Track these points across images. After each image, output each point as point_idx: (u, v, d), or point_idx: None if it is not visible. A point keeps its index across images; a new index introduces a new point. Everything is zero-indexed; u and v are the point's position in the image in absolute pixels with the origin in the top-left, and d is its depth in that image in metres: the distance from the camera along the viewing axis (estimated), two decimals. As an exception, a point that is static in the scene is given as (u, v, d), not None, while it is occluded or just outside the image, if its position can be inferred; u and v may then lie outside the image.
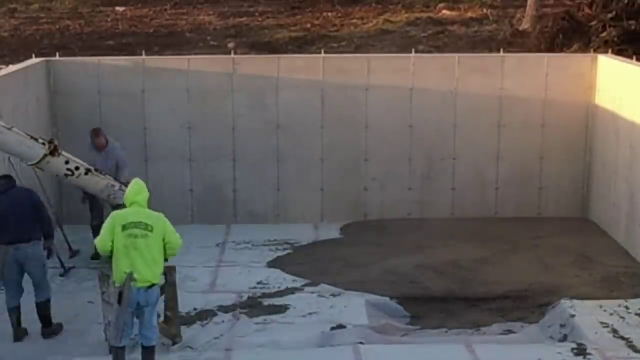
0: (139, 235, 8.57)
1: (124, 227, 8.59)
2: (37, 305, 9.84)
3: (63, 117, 13.95)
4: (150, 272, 8.60)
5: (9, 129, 9.80)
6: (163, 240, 8.70)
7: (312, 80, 14.04)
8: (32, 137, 10.05)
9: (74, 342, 9.80)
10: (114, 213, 8.90)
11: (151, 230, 8.62)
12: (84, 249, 12.58)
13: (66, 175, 10.41)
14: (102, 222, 9.37)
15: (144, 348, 8.89)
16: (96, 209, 12.49)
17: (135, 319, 8.76)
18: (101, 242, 8.67)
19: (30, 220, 9.58)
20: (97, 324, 9.50)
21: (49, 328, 9.89)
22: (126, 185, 10.32)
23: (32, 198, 9.76)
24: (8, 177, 9.84)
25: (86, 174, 10.60)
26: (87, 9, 29.40)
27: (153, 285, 8.65)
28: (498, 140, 14.27)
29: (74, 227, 13.06)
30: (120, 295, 8.52)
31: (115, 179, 11.44)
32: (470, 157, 14.31)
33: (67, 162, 10.36)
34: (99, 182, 10.79)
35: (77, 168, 10.48)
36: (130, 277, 8.48)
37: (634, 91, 12.56)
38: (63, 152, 10.17)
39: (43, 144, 10.11)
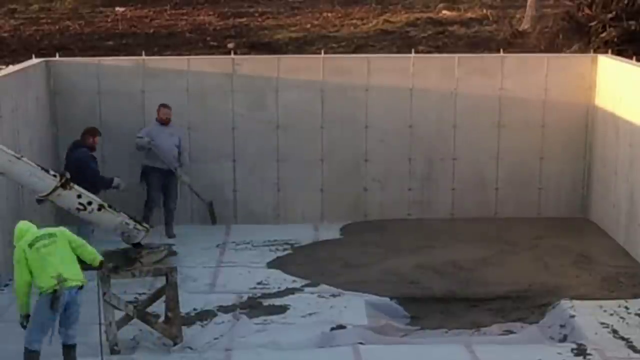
0: (48, 244, 8.89)
1: (30, 246, 8.86)
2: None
3: (63, 118, 13.94)
4: (77, 271, 8.89)
5: (19, 158, 9.63)
6: (71, 247, 9.01)
7: (312, 81, 14.04)
8: (42, 169, 9.88)
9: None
10: (18, 244, 9.01)
11: (56, 236, 9.03)
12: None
13: (78, 209, 10.03)
14: None
15: (69, 347, 9.09)
16: None
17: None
18: (20, 277, 8.83)
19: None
20: (97, 325, 9.46)
21: None
22: (140, 224, 10.34)
23: (77, 158, 11.54)
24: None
25: (99, 209, 10.17)
26: (87, 9, 29.40)
27: (82, 286, 8.87)
28: (498, 140, 14.27)
29: (70, 228, 13.06)
30: (53, 300, 8.68)
31: (131, 217, 11.14)
32: (470, 158, 14.31)
33: (79, 196, 9.96)
34: (112, 219, 10.32)
35: (89, 203, 10.06)
36: (60, 279, 8.66)
37: (634, 91, 12.56)
38: (75, 186, 9.99)
39: (54, 175, 9.86)
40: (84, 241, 9.20)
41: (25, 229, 9.19)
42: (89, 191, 11.40)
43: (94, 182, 12.09)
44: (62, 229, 9.28)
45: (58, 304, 8.70)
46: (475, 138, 14.24)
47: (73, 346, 9.13)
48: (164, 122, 13.39)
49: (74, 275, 8.83)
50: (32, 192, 10.18)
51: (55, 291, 8.67)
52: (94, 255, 9.19)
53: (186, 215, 14.07)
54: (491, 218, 14.37)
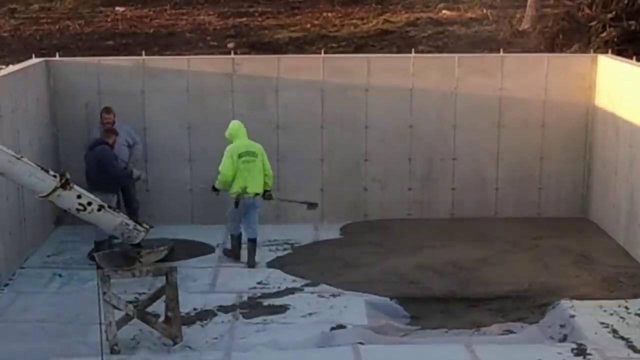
0: (249, 161, 12.07)
1: (239, 156, 12.03)
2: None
3: (63, 118, 13.94)
4: (256, 186, 12.15)
5: (18, 158, 9.62)
6: (263, 164, 12.21)
7: (312, 81, 14.04)
8: (42, 169, 9.87)
9: (75, 342, 9.81)
10: (230, 147, 12.07)
11: (256, 156, 12.15)
12: (84, 248, 12.60)
13: (78, 210, 10.06)
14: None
15: (250, 240, 12.30)
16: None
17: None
18: (226, 169, 12.02)
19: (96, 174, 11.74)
20: (98, 325, 9.47)
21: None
22: (140, 225, 10.35)
23: (97, 155, 11.96)
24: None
25: (99, 210, 10.26)
26: (87, 9, 29.38)
27: (257, 194, 12.18)
28: (498, 140, 14.28)
29: (72, 227, 13.11)
30: (236, 202, 12.09)
31: (129, 218, 11.15)
32: (470, 158, 14.31)
33: (79, 197, 10.01)
34: (112, 220, 10.48)
35: (89, 203, 10.15)
36: (244, 189, 12.02)
37: (634, 91, 12.56)
38: (75, 187, 9.98)
39: (54, 176, 9.85)
40: (270, 168, 12.34)
41: (238, 130, 12.25)
42: (112, 187, 11.55)
43: (117, 177, 12.21)
44: (261, 147, 12.27)
45: (240, 205, 12.08)
46: (475, 138, 14.24)
47: (254, 239, 12.30)
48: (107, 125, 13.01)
49: (255, 189, 12.12)
50: (32, 193, 10.18)
51: (237, 196, 12.02)
52: (271, 181, 12.40)
53: (186, 216, 14.08)
54: (491, 218, 14.37)
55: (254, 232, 12.35)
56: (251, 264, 12.29)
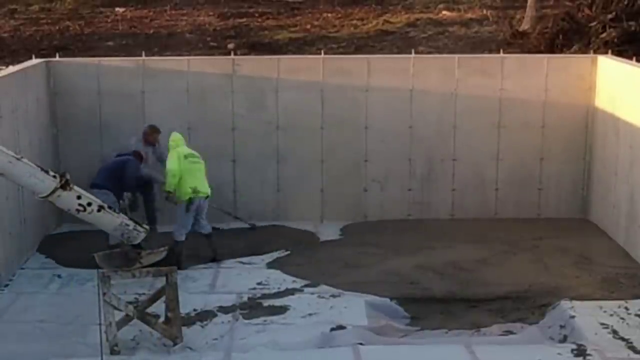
0: (195, 162, 12.27)
1: (185, 157, 12.20)
2: None
3: (63, 118, 13.95)
4: (205, 188, 12.30)
5: (18, 159, 9.62)
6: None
7: (312, 81, 14.04)
8: (42, 169, 9.86)
9: (75, 343, 9.81)
10: (174, 151, 12.21)
11: (200, 160, 12.37)
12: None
13: (78, 210, 10.04)
14: None
15: (206, 235, 12.53)
16: None
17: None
18: (173, 164, 12.10)
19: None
20: (97, 325, 9.47)
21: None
22: (140, 225, 10.36)
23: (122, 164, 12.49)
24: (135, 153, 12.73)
25: (99, 210, 10.19)
26: (87, 10, 29.37)
27: (207, 197, 12.34)
28: (498, 141, 14.28)
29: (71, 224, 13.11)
30: (188, 205, 12.13)
31: (131, 218, 11.18)
32: (470, 158, 14.31)
33: (79, 197, 9.95)
34: (112, 220, 10.40)
35: (89, 204, 10.06)
36: (195, 190, 12.12)
37: (634, 92, 12.56)
38: (75, 187, 9.97)
39: (54, 176, 9.84)
40: None
41: (179, 140, 12.42)
42: (118, 192, 11.68)
43: (127, 189, 12.73)
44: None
45: (191, 208, 12.17)
46: (475, 139, 14.24)
47: (210, 234, 12.57)
48: (152, 144, 13.28)
49: (206, 189, 12.32)
50: (32, 193, 10.17)
51: (190, 199, 12.12)
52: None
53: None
54: (491, 218, 14.37)
55: (208, 227, 12.60)
56: (219, 257, 12.54)
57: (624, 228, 12.90)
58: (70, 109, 13.92)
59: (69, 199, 9.93)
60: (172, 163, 12.17)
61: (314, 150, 14.17)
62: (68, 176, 9.96)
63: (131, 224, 10.49)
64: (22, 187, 11.12)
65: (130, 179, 12.47)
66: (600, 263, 12.38)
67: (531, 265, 12.36)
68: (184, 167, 12.14)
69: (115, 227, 10.47)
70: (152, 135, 13.26)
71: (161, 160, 13.15)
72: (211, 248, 12.58)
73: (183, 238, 12.32)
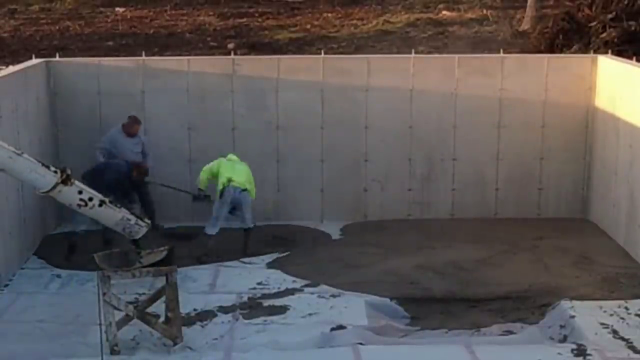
0: (234, 162, 12.70)
1: (227, 160, 12.69)
2: None
3: (63, 118, 13.95)
4: (242, 180, 12.52)
5: (19, 154, 9.61)
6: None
7: (312, 81, 14.04)
8: (43, 165, 9.85)
9: (75, 343, 9.81)
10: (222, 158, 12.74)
11: (243, 165, 12.71)
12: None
13: (79, 205, 10.04)
14: None
15: (245, 229, 12.72)
16: None
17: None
18: (206, 166, 12.66)
19: None
20: (97, 325, 9.48)
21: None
22: (142, 219, 10.37)
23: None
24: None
25: (100, 205, 10.20)
26: (87, 10, 29.39)
27: (244, 190, 12.51)
28: (498, 141, 14.28)
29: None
30: (221, 192, 12.40)
31: (132, 212, 11.20)
32: (470, 158, 14.31)
33: (80, 192, 9.96)
34: (113, 215, 10.42)
35: (90, 199, 10.07)
36: (229, 180, 12.41)
37: (634, 92, 12.56)
38: (76, 182, 9.97)
39: (55, 172, 9.84)
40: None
41: (231, 158, 12.84)
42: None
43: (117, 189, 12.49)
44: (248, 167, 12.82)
45: (224, 196, 12.41)
46: (475, 138, 14.24)
47: (249, 229, 12.71)
48: (132, 135, 13.40)
49: (241, 180, 12.51)
50: (33, 189, 10.18)
51: (223, 188, 12.41)
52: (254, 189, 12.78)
53: (186, 216, 14.07)
54: (491, 218, 14.37)
55: (251, 223, 12.74)
56: (248, 254, 12.67)
57: (624, 228, 12.90)
58: (70, 109, 13.92)
59: (70, 194, 9.93)
60: (207, 165, 12.72)
61: (314, 150, 14.17)
62: (69, 171, 9.95)
63: (132, 219, 10.50)
64: (22, 184, 11.12)
65: (108, 183, 12.16)
66: (600, 263, 12.38)
67: (531, 265, 12.36)
68: (223, 166, 12.59)
69: (116, 222, 10.48)
70: (132, 127, 13.33)
71: (144, 151, 13.35)
72: (244, 242, 12.75)
73: (213, 232, 12.53)
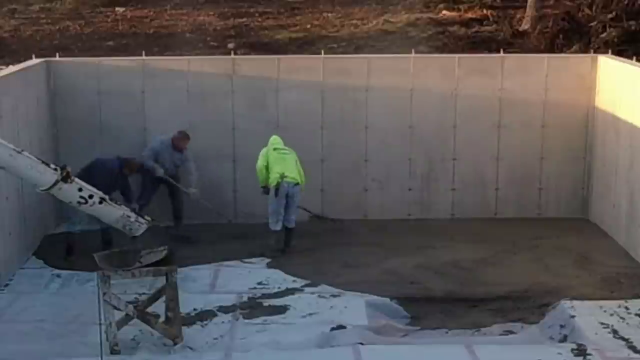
0: (283, 153, 12.83)
1: (274, 149, 12.82)
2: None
3: (63, 118, 13.95)
4: (294, 174, 12.73)
5: (19, 152, 9.63)
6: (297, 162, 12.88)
7: (312, 81, 14.05)
8: (43, 162, 9.86)
9: (75, 343, 9.80)
10: (263, 150, 12.91)
11: (290, 153, 12.91)
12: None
13: (79, 203, 10.04)
14: None
15: (287, 229, 12.90)
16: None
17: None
18: (257, 165, 12.86)
19: None
20: (97, 325, 9.49)
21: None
22: (142, 217, 10.39)
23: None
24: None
25: (100, 202, 10.14)
26: (87, 9, 29.34)
27: (297, 184, 12.73)
28: (498, 140, 14.28)
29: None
30: (276, 189, 12.62)
31: (133, 210, 11.20)
32: (470, 158, 14.31)
33: (80, 190, 9.94)
34: (114, 212, 10.33)
35: (90, 196, 10.01)
36: (282, 176, 12.58)
37: (634, 92, 12.56)
38: (76, 179, 9.99)
39: (55, 169, 9.85)
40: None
41: (273, 141, 13.02)
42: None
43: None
44: (294, 152, 12.97)
45: (279, 192, 12.62)
46: (475, 138, 14.25)
47: (292, 229, 12.92)
48: (178, 149, 13.47)
49: (293, 174, 12.73)
50: (34, 186, 10.18)
51: (278, 184, 12.57)
52: (302, 173, 12.96)
53: (187, 215, 14.06)
54: (491, 218, 14.37)
55: (293, 223, 12.97)
56: (288, 250, 12.95)
57: (624, 228, 12.90)
58: (70, 109, 13.92)
59: (70, 192, 9.93)
60: (257, 162, 12.93)
61: (314, 149, 14.16)
62: (69, 169, 9.96)
63: (133, 216, 10.50)
64: (22, 184, 11.12)
65: (100, 180, 12.15)
66: (600, 263, 12.38)
67: (531, 265, 12.36)
68: (272, 158, 12.77)
69: (117, 219, 10.48)
70: (182, 141, 13.40)
71: (185, 166, 13.46)
72: (286, 240, 12.92)
73: (277, 227, 12.79)
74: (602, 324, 10.21)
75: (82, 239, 12.51)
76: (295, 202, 12.86)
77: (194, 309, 10.72)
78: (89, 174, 12.01)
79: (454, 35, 24.48)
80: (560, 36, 21.34)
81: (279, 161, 12.74)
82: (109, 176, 12.45)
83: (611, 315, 10.47)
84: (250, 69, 14.16)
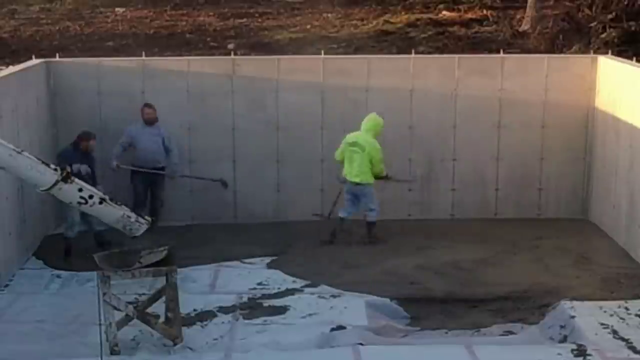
0: (354, 152, 13.06)
1: (349, 144, 13.10)
2: None
3: (63, 118, 13.95)
4: (353, 175, 13.12)
5: (19, 152, 9.63)
6: (371, 160, 13.05)
7: (312, 82, 14.05)
8: (43, 162, 9.87)
9: (75, 343, 9.81)
10: (347, 136, 13.23)
11: (363, 150, 12.98)
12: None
13: (79, 203, 10.05)
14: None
15: (341, 218, 13.38)
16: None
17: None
18: (335, 156, 13.37)
19: None
20: (97, 325, 9.49)
21: None
22: (143, 217, 10.40)
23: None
24: None
25: (100, 203, 10.20)
26: (87, 10, 29.36)
27: (359, 184, 13.13)
28: (498, 141, 14.28)
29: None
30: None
31: (132, 210, 11.21)
32: (470, 158, 14.32)
33: (80, 190, 9.96)
34: (114, 213, 10.27)
35: (90, 197, 10.00)
36: (345, 177, 13.19)
37: (635, 92, 12.56)
38: (76, 180, 10.01)
39: (55, 169, 9.86)
40: (380, 159, 13.11)
41: (364, 122, 13.22)
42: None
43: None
44: (373, 144, 13.09)
45: (344, 190, 13.31)
46: (475, 138, 14.25)
47: (371, 222, 13.35)
48: (149, 122, 13.48)
49: (351, 176, 13.15)
50: (34, 187, 10.18)
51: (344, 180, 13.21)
52: (381, 171, 13.22)
53: (186, 216, 14.08)
54: (491, 218, 14.37)
55: (368, 216, 13.39)
56: (333, 242, 13.30)
57: (624, 228, 12.90)
58: (70, 109, 13.92)
59: (70, 192, 9.93)
60: (337, 153, 13.40)
61: (314, 150, 14.17)
62: (69, 169, 9.97)
63: (133, 216, 10.50)
64: (22, 185, 11.12)
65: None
66: (600, 263, 12.38)
67: (531, 265, 12.36)
68: (345, 155, 13.19)
69: (117, 219, 10.48)
70: (145, 111, 13.53)
71: (166, 147, 13.59)
72: (334, 231, 13.28)
73: (343, 214, 13.40)
74: (602, 324, 10.20)
75: (79, 241, 12.52)
76: (362, 200, 13.29)
77: (194, 310, 10.72)
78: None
79: (454, 35, 24.49)
80: (560, 37, 21.36)
81: (347, 160, 13.16)
82: (66, 156, 12.54)
83: (611, 315, 10.47)
84: (250, 70, 14.16)
